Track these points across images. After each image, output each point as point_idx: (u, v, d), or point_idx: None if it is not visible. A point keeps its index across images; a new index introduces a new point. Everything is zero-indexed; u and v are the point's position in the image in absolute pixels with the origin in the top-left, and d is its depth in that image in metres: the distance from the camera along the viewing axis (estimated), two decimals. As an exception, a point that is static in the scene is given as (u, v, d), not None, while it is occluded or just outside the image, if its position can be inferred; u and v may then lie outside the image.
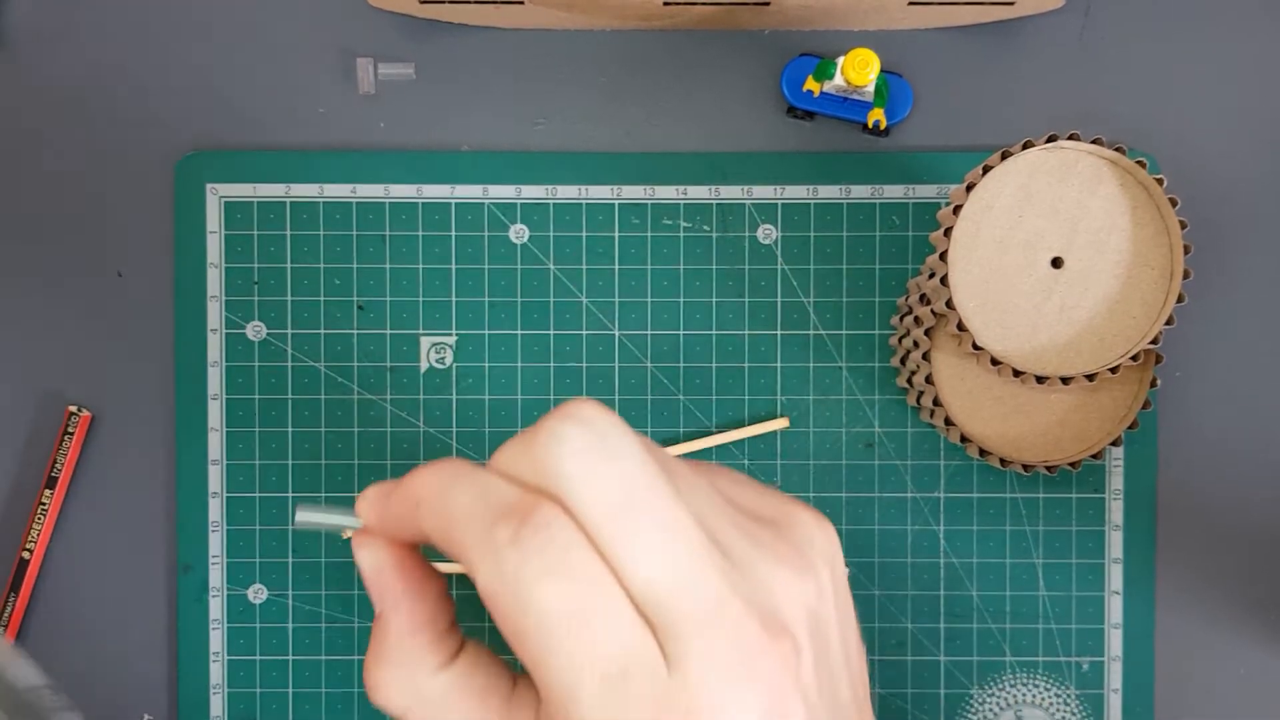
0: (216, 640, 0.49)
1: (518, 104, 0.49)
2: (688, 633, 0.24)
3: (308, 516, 0.29)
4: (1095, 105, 0.49)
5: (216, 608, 0.49)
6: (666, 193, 0.49)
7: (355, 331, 0.49)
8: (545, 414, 0.25)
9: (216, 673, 0.49)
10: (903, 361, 0.47)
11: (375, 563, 0.28)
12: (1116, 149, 0.40)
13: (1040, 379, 0.41)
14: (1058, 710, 0.49)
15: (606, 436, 0.25)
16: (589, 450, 0.24)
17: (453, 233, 0.49)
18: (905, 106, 0.48)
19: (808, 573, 0.27)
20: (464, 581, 0.49)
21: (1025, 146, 0.40)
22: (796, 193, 0.49)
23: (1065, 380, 0.41)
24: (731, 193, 0.49)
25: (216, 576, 0.49)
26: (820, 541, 0.28)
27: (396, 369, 0.49)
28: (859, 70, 0.45)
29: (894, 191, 0.49)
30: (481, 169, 0.49)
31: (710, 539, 0.25)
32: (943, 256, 0.41)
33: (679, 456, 0.28)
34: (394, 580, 0.28)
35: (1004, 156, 0.41)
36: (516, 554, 0.24)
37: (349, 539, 0.29)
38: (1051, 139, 0.40)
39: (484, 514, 0.25)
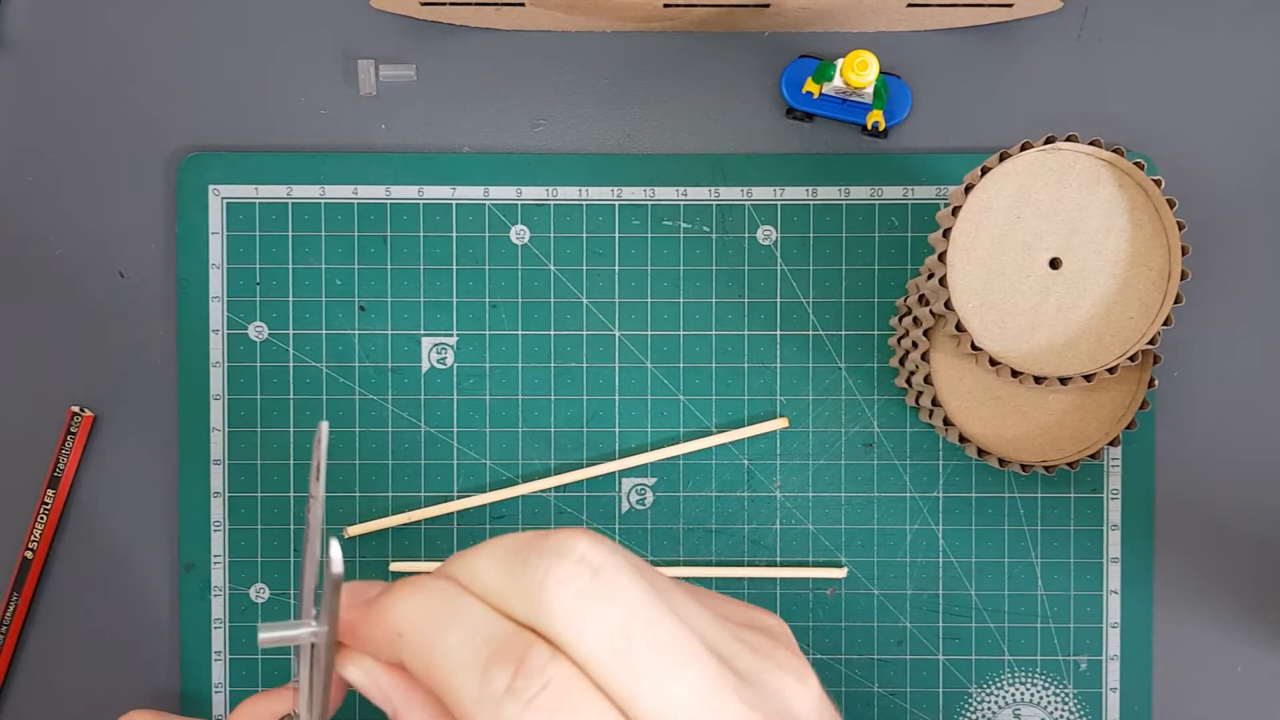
0: (219, 639, 0.49)
1: (518, 105, 0.49)
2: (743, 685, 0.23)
3: (270, 634, 0.27)
4: (1093, 107, 0.49)
5: (219, 607, 0.49)
6: (666, 194, 0.49)
7: (356, 332, 0.49)
8: (535, 538, 0.24)
9: (219, 672, 0.49)
10: (901, 362, 0.47)
11: (368, 676, 0.27)
12: (1114, 150, 0.40)
13: (1038, 379, 0.41)
14: (1056, 709, 0.49)
15: (601, 573, 0.23)
16: (585, 592, 0.23)
17: (454, 233, 0.49)
18: (904, 108, 0.49)
19: (808, 674, 0.26)
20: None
21: (1023, 148, 0.40)
22: (796, 194, 0.49)
23: (1063, 380, 0.41)
24: (731, 194, 0.49)
25: (218, 576, 0.49)
26: (793, 639, 0.28)
27: (398, 369, 0.49)
28: (858, 72, 0.45)
29: (893, 193, 0.49)
30: (482, 170, 0.49)
31: (719, 660, 0.24)
32: (941, 257, 0.41)
33: (672, 577, 0.27)
34: (396, 683, 0.26)
35: (1002, 158, 0.41)
36: (514, 704, 0.23)
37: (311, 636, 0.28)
38: (1049, 140, 0.41)
39: (474, 658, 0.23)
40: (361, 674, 0.27)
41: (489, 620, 0.24)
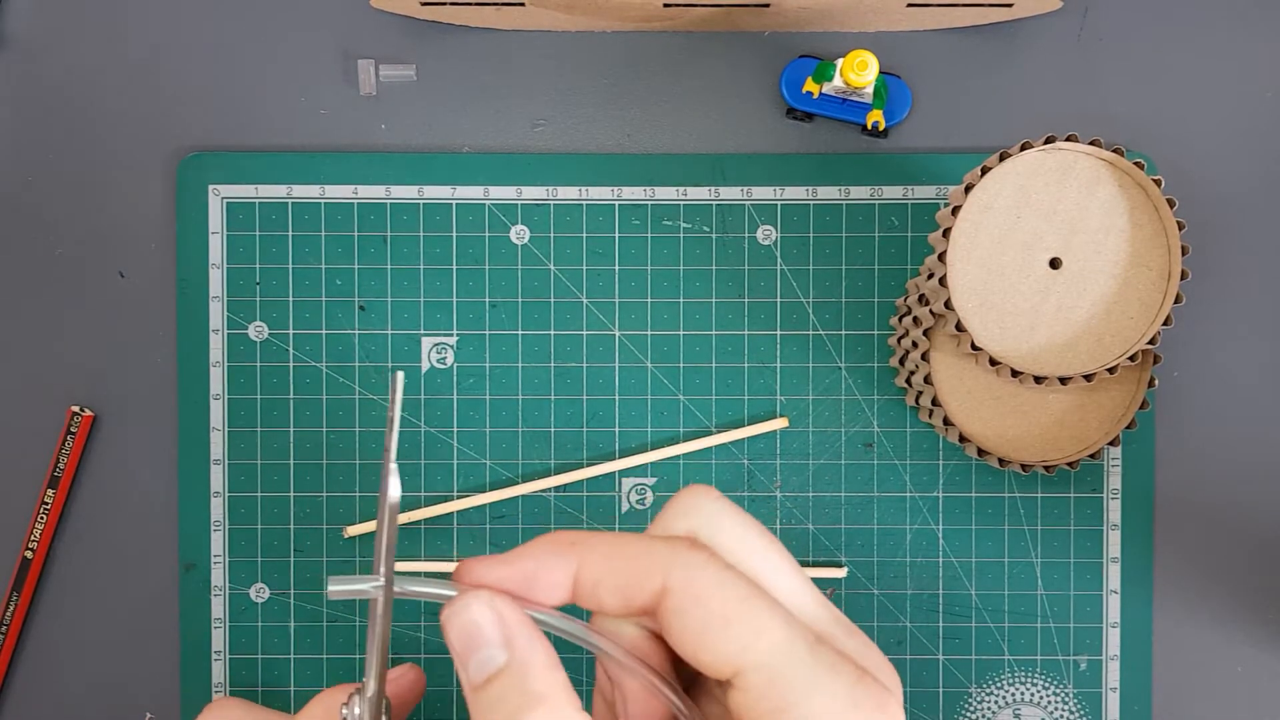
0: (219, 639, 0.49)
1: (518, 105, 0.49)
2: (838, 634, 0.27)
3: (338, 587, 0.28)
4: (1093, 106, 0.49)
5: (219, 607, 0.49)
6: (666, 193, 0.49)
7: (356, 332, 0.49)
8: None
9: (219, 671, 0.49)
10: (901, 361, 0.47)
11: (495, 612, 0.27)
12: (1114, 150, 0.40)
13: (1038, 379, 0.41)
14: (1056, 709, 0.49)
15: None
16: (729, 505, 0.28)
17: (454, 233, 0.49)
18: (904, 108, 0.49)
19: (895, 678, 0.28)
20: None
21: (1023, 148, 0.40)
22: (796, 193, 0.49)
23: (1063, 380, 0.41)
24: (731, 193, 0.49)
25: (219, 575, 0.49)
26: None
27: (398, 369, 0.49)
28: (858, 72, 0.45)
29: (893, 192, 0.49)
30: (482, 170, 0.49)
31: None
32: (941, 257, 0.41)
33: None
34: (524, 622, 0.27)
35: (1002, 158, 0.41)
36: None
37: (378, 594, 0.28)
38: (1049, 140, 0.41)
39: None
40: (485, 609, 0.27)
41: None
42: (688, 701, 0.28)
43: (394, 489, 0.28)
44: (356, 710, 0.29)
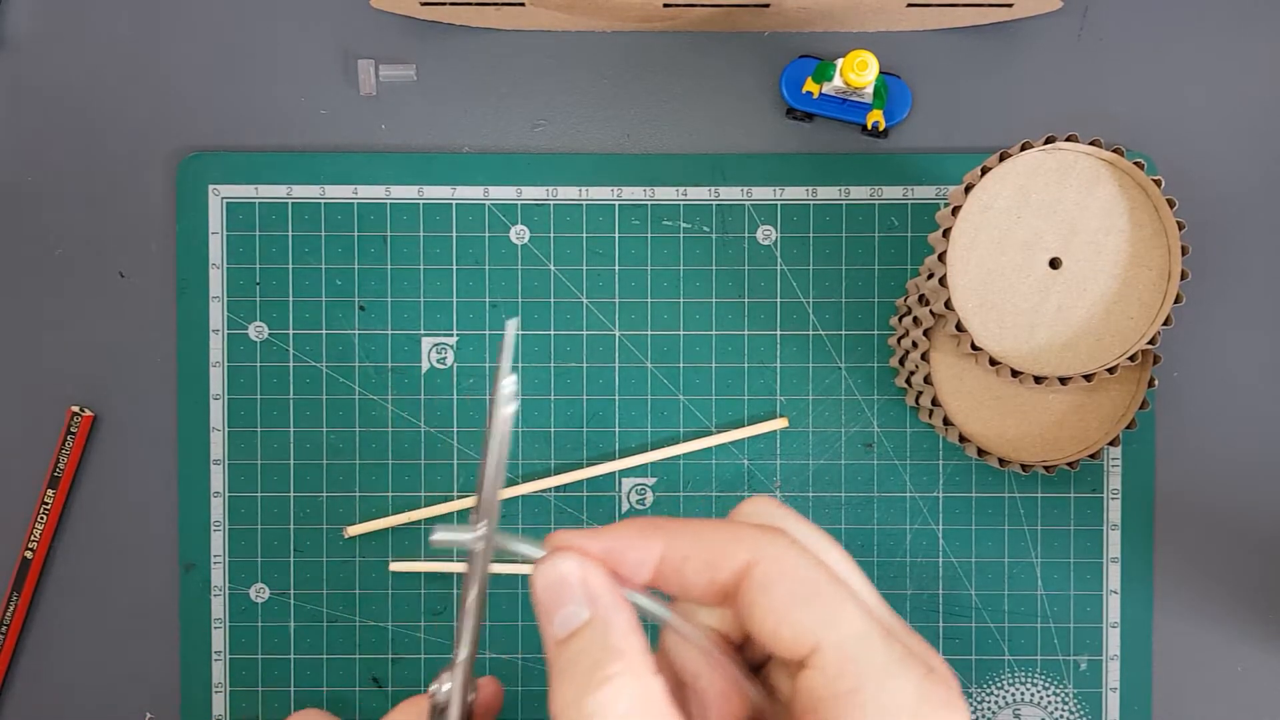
0: (219, 639, 0.49)
1: (518, 105, 0.49)
2: (902, 634, 0.28)
3: (443, 535, 0.29)
4: (1093, 107, 0.49)
5: (219, 607, 0.49)
6: (666, 194, 0.49)
7: (356, 332, 0.49)
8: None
9: (219, 671, 0.49)
10: (901, 362, 0.47)
11: (582, 571, 0.28)
12: (1114, 150, 0.40)
13: (1038, 379, 0.41)
14: (1056, 709, 0.49)
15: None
16: (794, 512, 0.30)
17: (453, 233, 0.49)
18: (904, 108, 0.49)
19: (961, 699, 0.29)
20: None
21: (1023, 148, 0.40)
22: (795, 194, 0.49)
23: (1063, 380, 0.41)
24: (731, 194, 0.49)
25: (219, 576, 0.49)
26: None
27: (398, 369, 0.49)
28: (858, 72, 0.45)
29: (893, 192, 0.49)
30: (482, 170, 0.49)
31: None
32: (941, 257, 0.41)
33: None
34: (609, 585, 0.28)
35: (1002, 158, 0.41)
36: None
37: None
38: (1049, 140, 0.41)
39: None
40: (575, 565, 0.28)
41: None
42: (761, 689, 0.29)
43: (504, 426, 0.30)
44: (445, 686, 0.30)
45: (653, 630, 0.29)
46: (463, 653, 0.30)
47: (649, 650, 0.27)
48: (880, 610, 0.29)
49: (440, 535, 0.29)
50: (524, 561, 0.30)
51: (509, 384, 0.31)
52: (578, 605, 0.28)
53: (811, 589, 0.27)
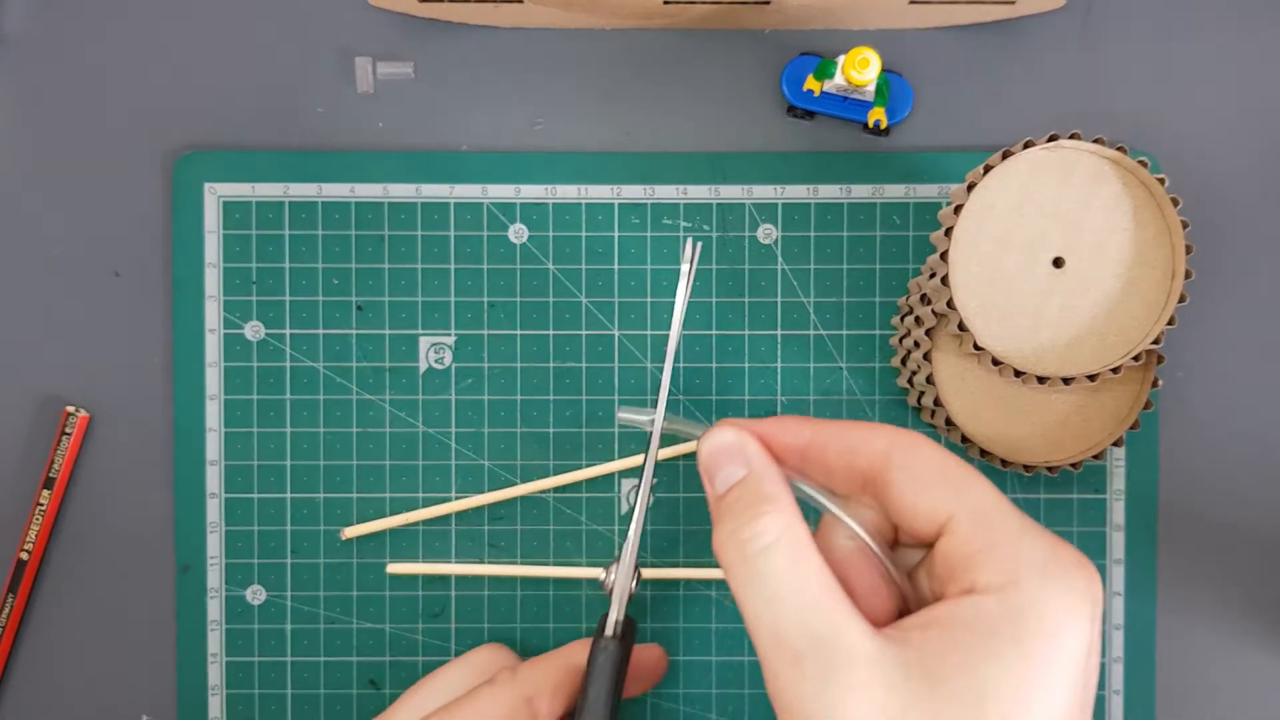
0: (215, 641, 0.48)
1: (517, 103, 0.49)
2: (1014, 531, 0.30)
3: (625, 415, 0.39)
4: (1096, 105, 0.49)
5: (215, 609, 0.48)
6: (666, 192, 0.49)
7: (354, 332, 0.49)
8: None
9: (215, 674, 0.48)
10: (903, 362, 0.47)
11: (740, 438, 0.33)
12: (1118, 149, 0.40)
13: (1041, 379, 0.41)
14: (1059, 711, 0.49)
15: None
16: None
17: (451, 232, 0.49)
18: (906, 106, 0.48)
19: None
20: (465, 583, 0.49)
21: (1026, 146, 0.40)
22: (797, 192, 0.49)
23: (1066, 380, 0.41)
24: (731, 192, 0.49)
25: (215, 577, 0.48)
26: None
27: (395, 369, 0.49)
28: (859, 69, 0.45)
29: (894, 191, 0.49)
30: (480, 168, 0.49)
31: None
32: (944, 256, 0.41)
33: None
34: (762, 450, 0.33)
35: (1005, 156, 0.41)
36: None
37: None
38: (1053, 138, 0.40)
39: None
40: (732, 434, 0.33)
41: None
42: (898, 563, 0.33)
43: (676, 334, 0.40)
44: (612, 577, 0.41)
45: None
46: (631, 536, 0.41)
47: (797, 505, 0.32)
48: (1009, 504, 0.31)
49: (623, 415, 0.38)
50: (690, 439, 0.37)
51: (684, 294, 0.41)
52: (735, 465, 0.33)
53: (943, 467, 0.31)
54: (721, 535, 0.32)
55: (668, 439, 0.48)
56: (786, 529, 0.31)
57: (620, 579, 0.41)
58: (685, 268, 0.41)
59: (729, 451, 0.33)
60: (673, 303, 0.49)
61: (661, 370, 0.42)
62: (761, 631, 0.30)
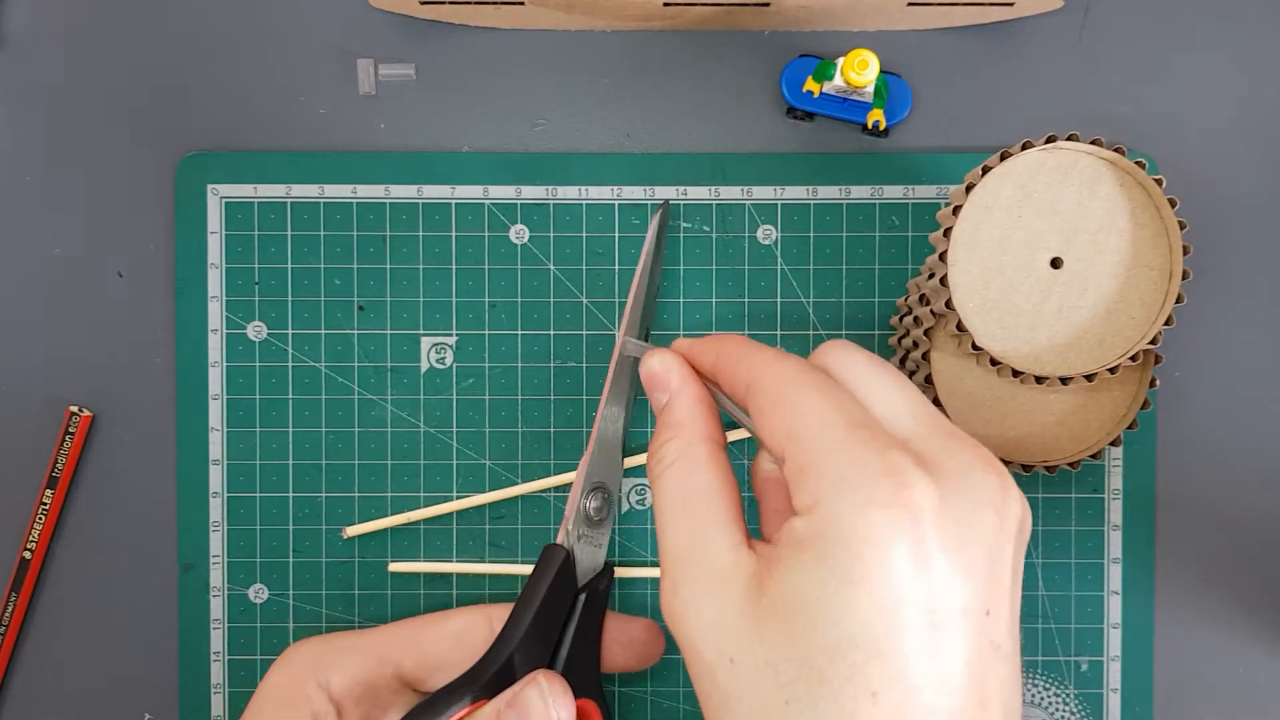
0: (217, 640, 0.49)
1: (518, 104, 0.49)
2: (923, 436, 0.31)
3: (631, 349, 0.44)
4: (1094, 106, 0.49)
5: (217, 607, 0.49)
6: (666, 193, 0.49)
7: (356, 332, 0.49)
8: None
9: (217, 672, 0.49)
10: (902, 362, 0.47)
11: (665, 364, 0.37)
12: (1116, 149, 0.40)
13: (1039, 379, 0.41)
14: (1057, 710, 0.49)
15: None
16: (859, 351, 0.34)
17: (453, 233, 0.49)
18: (904, 107, 0.48)
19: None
20: (466, 582, 0.49)
21: (1024, 147, 0.40)
22: (796, 193, 0.49)
23: (1064, 380, 0.41)
24: (731, 193, 0.49)
25: (217, 576, 0.49)
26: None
27: (397, 369, 0.49)
28: (858, 71, 0.45)
29: (893, 192, 0.49)
30: (482, 169, 0.49)
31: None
32: (942, 257, 0.41)
33: None
34: (685, 370, 0.37)
35: (1003, 157, 0.41)
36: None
37: None
38: (1051, 139, 0.40)
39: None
40: (660, 359, 0.37)
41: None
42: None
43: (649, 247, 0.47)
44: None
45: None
46: (588, 452, 0.45)
47: (710, 420, 0.35)
48: (903, 421, 0.32)
49: (630, 349, 0.44)
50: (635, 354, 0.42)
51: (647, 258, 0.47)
52: (660, 392, 0.37)
53: (781, 395, 0.32)
54: (646, 456, 0.35)
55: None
56: (685, 448, 0.34)
57: (573, 494, 0.44)
58: (652, 227, 0.46)
59: (656, 377, 0.37)
60: (675, 302, 0.49)
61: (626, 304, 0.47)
62: (659, 543, 0.33)
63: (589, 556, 0.44)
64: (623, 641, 0.45)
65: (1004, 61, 0.49)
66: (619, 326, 0.45)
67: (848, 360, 0.33)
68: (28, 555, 0.48)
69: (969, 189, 0.41)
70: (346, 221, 0.49)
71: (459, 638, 0.43)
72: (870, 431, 0.30)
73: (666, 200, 0.46)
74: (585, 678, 0.42)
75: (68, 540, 0.49)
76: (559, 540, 0.44)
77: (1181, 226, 0.40)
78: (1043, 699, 0.49)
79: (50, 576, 0.49)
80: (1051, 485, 0.49)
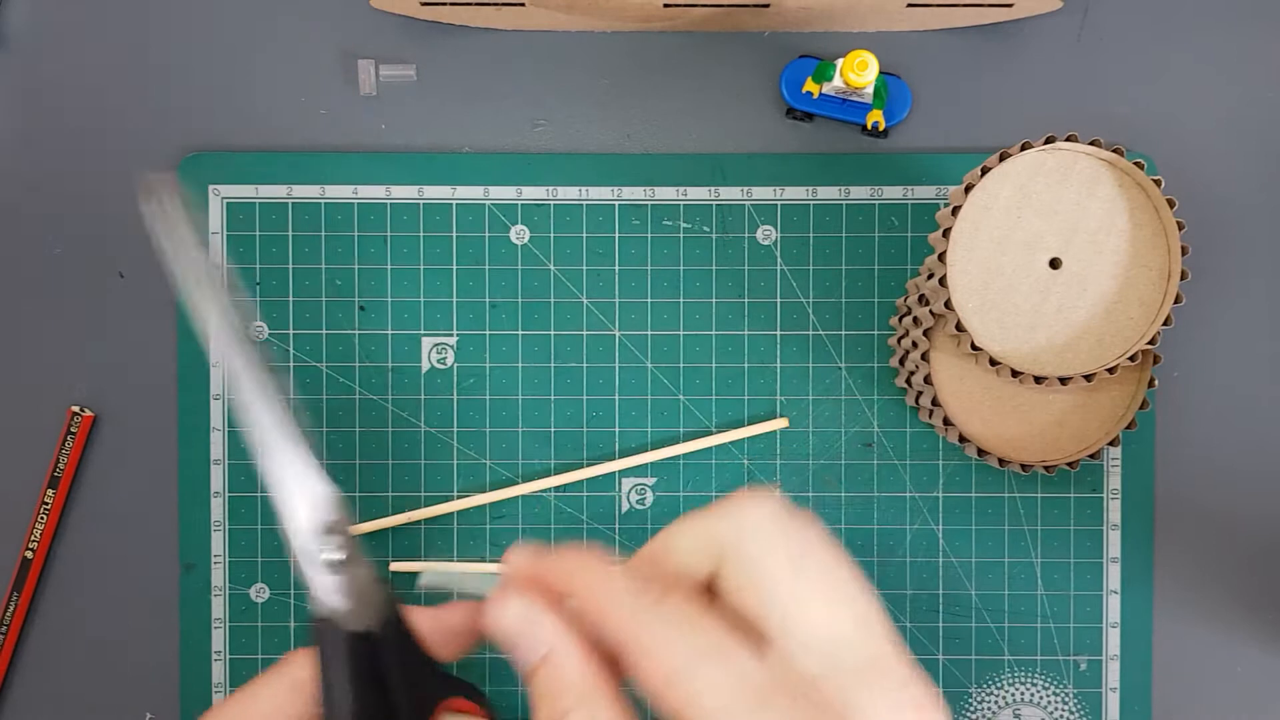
0: (219, 639, 0.49)
1: (518, 105, 0.49)
2: (857, 681, 0.27)
3: (432, 580, 0.35)
4: (1093, 106, 0.49)
5: (219, 607, 0.49)
6: (666, 193, 0.49)
7: (357, 332, 0.49)
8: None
9: (219, 672, 0.49)
10: (901, 361, 0.47)
11: (529, 613, 0.30)
12: (1114, 150, 0.40)
13: (1038, 379, 0.41)
14: (1056, 709, 0.49)
15: (794, 510, 0.28)
16: (779, 514, 0.28)
17: (454, 233, 0.49)
18: (904, 108, 0.49)
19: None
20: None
21: (1023, 148, 0.40)
22: (796, 194, 0.49)
23: (1063, 380, 0.41)
24: (731, 194, 0.49)
25: (219, 576, 0.49)
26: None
27: (398, 369, 0.49)
28: (858, 72, 0.45)
29: (893, 192, 0.49)
30: (482, 170, 0.49)
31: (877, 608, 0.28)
32: (941, 257, 0.41)
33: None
34: (555, 619, 0.29)
35: (1002, 158, 0.41)
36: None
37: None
38: (1050, 140, 0.41)
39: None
40: (519, 607, 0.30)
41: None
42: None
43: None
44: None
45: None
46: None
47: (607, 672, 0.29)
48: (820, 643, 0.27)
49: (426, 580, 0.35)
50: (478, 597, 0.32)
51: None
52: (531, 645, 0.29)
53: (673, 670, 0.27)
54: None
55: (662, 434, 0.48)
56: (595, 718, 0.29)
57: (297, 560, 0.35)
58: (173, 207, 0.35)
59: (520, 633, 0.30)
60: (675, 302, 0.49)
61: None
62: None
63: (359, 599, 0.35)
64: (446, 638, 0.38)
65: (1003, 62, 0.49)
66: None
67: (766, 546, 0.28)
68: (29, 555, 0.48)
69: (968, 189, 0.41)
70: (347, 222, 0.49)
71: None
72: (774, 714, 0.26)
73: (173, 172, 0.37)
74: (438, 685, 0.35)
75: (69, 540, 0.49)
76: (318, 613, 0.34)
77: (1180, 227, 0.40)
78: (1042, 698, 0.49)
79: (52, 576, 0.49)
80: (1050, 485, 0.49)
